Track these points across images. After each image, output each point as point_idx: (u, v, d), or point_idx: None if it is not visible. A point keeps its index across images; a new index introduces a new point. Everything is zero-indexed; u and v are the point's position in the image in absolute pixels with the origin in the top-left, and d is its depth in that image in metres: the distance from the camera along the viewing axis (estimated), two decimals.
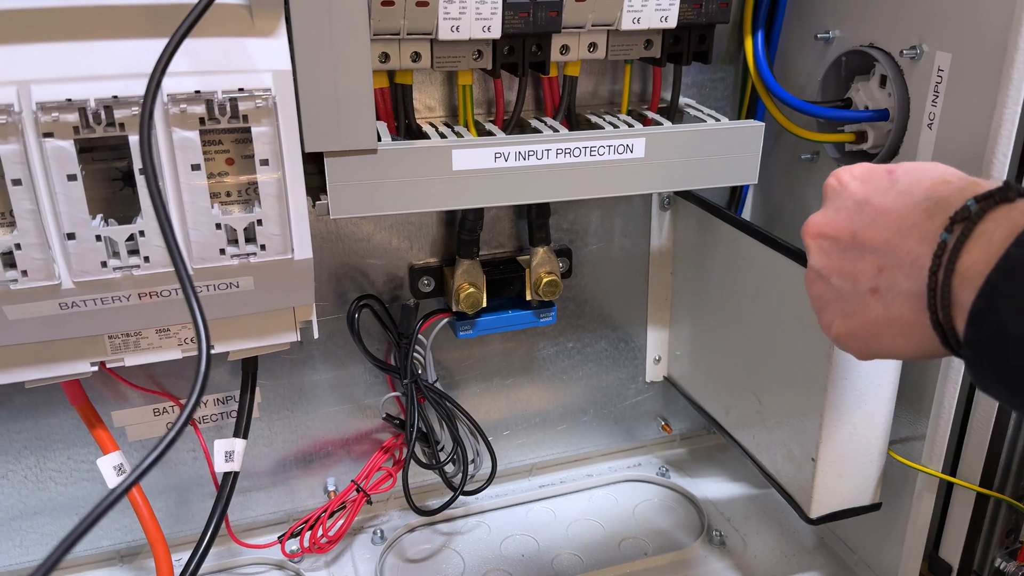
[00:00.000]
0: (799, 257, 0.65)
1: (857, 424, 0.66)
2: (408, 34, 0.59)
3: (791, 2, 0.74)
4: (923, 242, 0.37)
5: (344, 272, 0.74)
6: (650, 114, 0.71)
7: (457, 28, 0.59)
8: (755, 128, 0.67)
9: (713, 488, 0.89)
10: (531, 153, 0.62)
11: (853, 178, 0.44)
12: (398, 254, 0.75)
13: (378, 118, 0.64)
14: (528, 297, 0.75)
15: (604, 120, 0.68)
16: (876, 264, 0.40)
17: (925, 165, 0.41)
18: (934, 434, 0.66)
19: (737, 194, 0.84)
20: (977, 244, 0.35)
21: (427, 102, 0.70)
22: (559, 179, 0.63)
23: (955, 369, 0.64)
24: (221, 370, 0.73)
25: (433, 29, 0.58)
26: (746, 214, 0.85)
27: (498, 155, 0.61)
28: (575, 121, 0.71)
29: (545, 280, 0.73)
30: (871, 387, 0.65)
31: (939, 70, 0.60)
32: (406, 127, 0.66)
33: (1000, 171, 0.57)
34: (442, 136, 0.63)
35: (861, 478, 0.68)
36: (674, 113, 0.72)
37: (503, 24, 0.59)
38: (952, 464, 0.68)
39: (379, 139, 0.60)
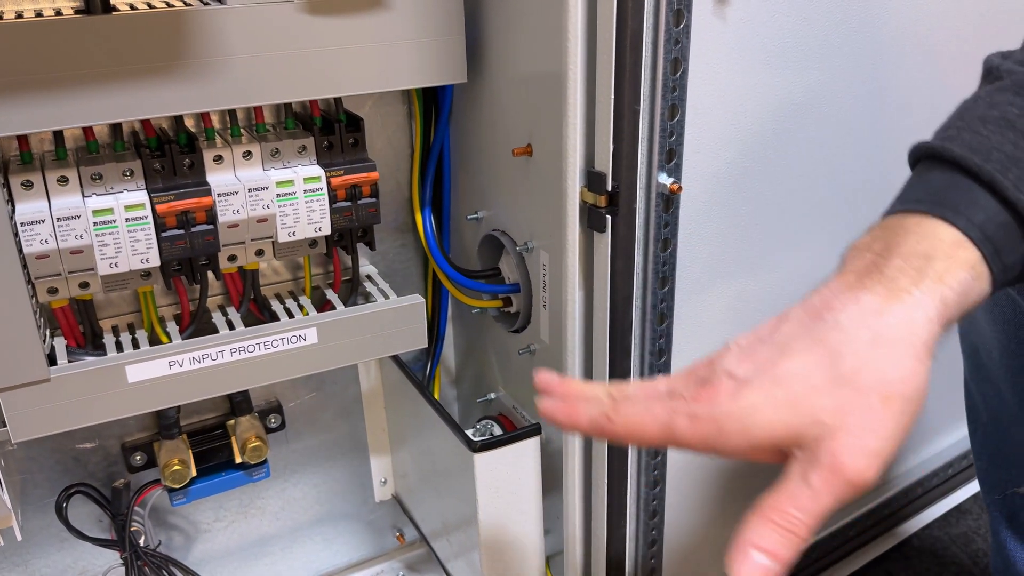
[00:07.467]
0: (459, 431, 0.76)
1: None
2: (70, 273, 0.65)
3: (452, 186, 0.85)
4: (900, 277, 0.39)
5: (56, 458, 0.79)
6: (330, 294, 0.80)
7: (116, 264, 0.66)
8: (417, 305, 0.77)
9: None
10: (206, 356, 0.70)
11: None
12: (110, 430, 0.80)
13: (60, 333, 0.70)
14: (238, 460, 0.82)
15: (285, 306, 0.77)
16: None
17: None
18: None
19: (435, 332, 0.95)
20: None
21: (112, 308, 0.75)
22: (235, 373, 0.71)
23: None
24: None
25: (93, 265, 0.65)
26: (446, 347, 0.97)
27: (173, 363, 0.69)
28: (261, 304, 0.79)
29: (251, 446, 0.81)
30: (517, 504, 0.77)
31: (543, 265, 0.73)
32: (91, 333, 0.72)
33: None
34: (119, 347, 0.70)
35: None
36: (355, 287, 0.82)
37: (161, 254, 0.67)
38: None
39: (54, 362, 0.66)
